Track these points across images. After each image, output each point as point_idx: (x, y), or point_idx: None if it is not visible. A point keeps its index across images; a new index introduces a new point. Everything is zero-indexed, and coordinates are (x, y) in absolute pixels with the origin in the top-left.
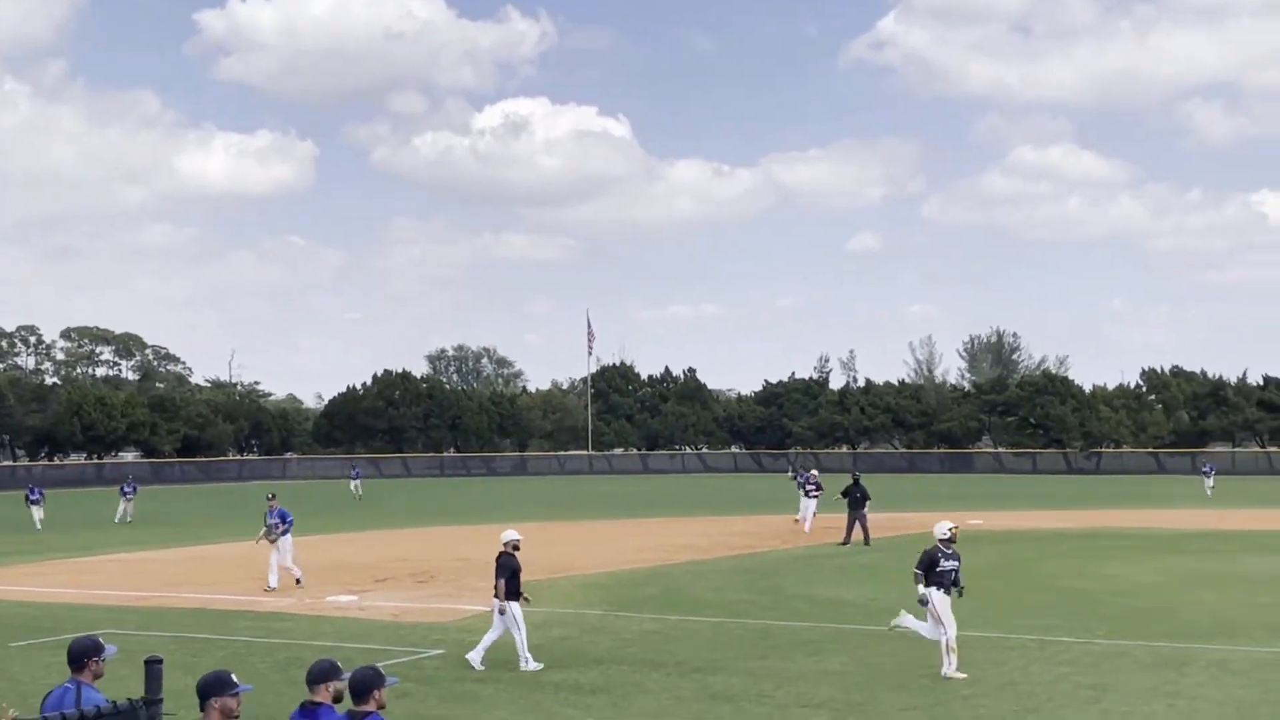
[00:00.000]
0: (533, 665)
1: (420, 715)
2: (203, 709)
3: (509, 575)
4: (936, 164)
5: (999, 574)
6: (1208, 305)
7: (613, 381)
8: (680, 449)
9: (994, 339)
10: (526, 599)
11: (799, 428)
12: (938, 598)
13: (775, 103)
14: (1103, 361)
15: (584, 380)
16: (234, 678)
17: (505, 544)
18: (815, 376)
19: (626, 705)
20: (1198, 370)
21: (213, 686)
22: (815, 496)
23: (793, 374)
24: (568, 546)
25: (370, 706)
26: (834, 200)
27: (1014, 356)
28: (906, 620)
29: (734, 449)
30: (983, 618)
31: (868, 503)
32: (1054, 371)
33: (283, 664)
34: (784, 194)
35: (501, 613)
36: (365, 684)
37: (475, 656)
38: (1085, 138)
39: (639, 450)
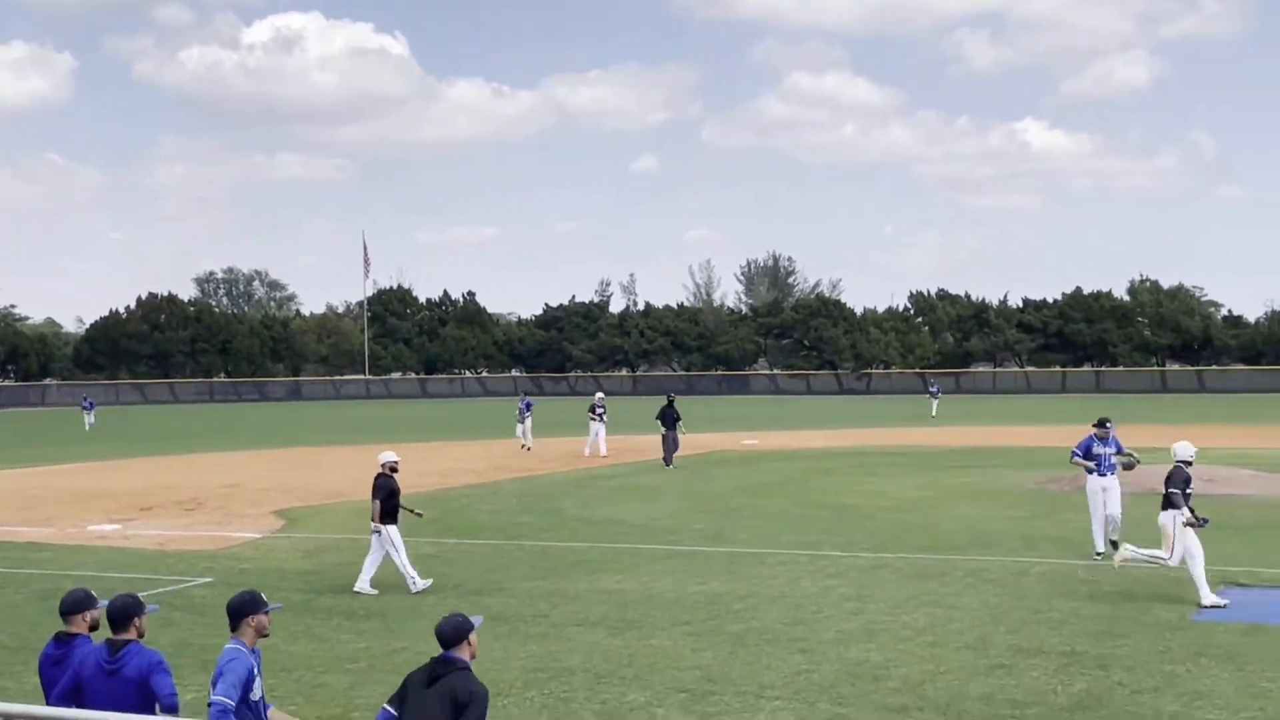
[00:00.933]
0: (420, 584)
1: (186, 643)
2: (236, 628)
3: (385, 496)
4: (715, 89)
5: (773, 492)
6: (973, 230)
7: (390, 305)
8: (460, 373)
9: (770, 263)
10: (418, 514)
11: (579, 351)
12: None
13: (557, 24)
14: (874, 285)
15: (360, 304)
16: (264, 596)
17: (382, 465)
18: (595, 300)
19: (401, 629)
20: (962, 294)
21: (247, 605)
22: (604, 420)
23: (573, 297)
24: (342, 471)
25: (130, 635)
26: (615, 123)
27: (789, 280)
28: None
29: (514, 373)
30: (757, 534)
31: (679, 424)
32: (827, 295)
33: (40, 595)
34: (565, 116)
35: (377, 533)
36: (123, 612)
37: (362, 584)
38: (859, 65)
39: (417, 375)
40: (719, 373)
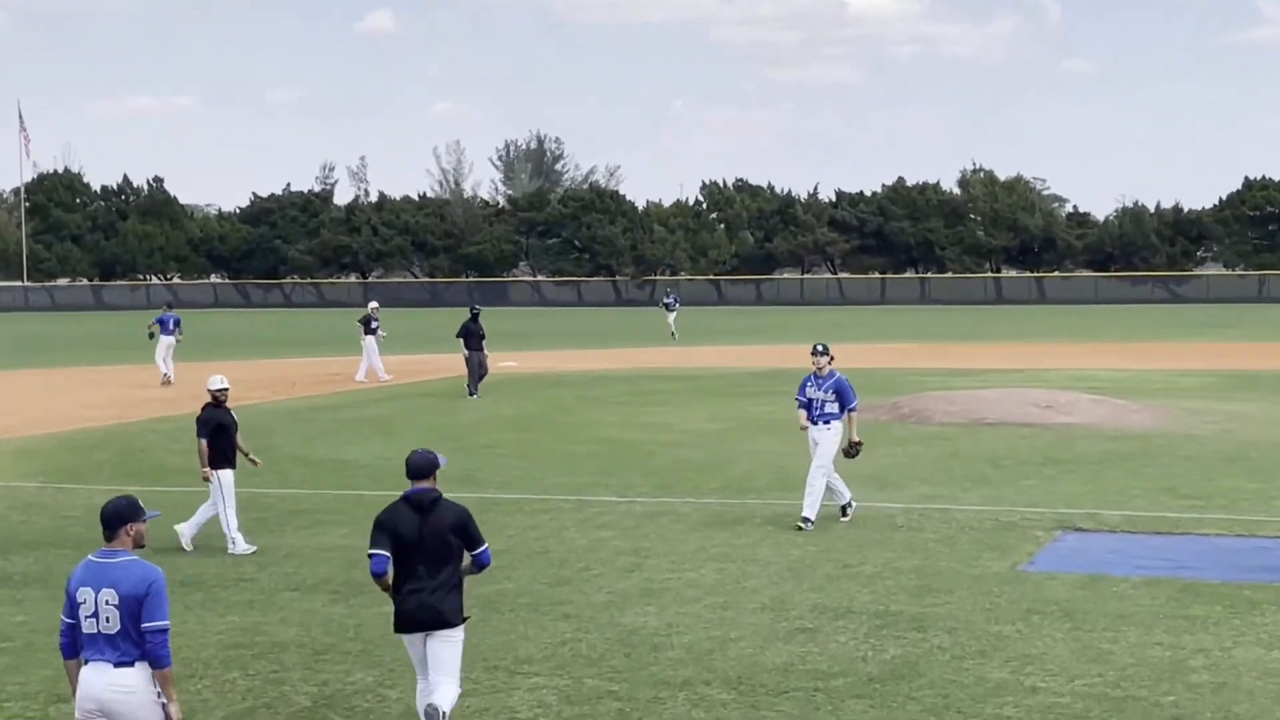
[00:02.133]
0: (243, 547)
1: None
2: (112, 536)
3: (210, 433)
4: None
5: (534, 424)
6: (778, 108)
7: (55, 194)
8: (145, 279)
9: (534, 146)
10: (254, 461)
11: (296, 252)
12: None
13: None
14: (660, 174)
15: (16, 192)
16: (141, 503)
17: (210, 392)
18: (317, 189)
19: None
20: (765, 185)
21: (124, 511)
22: (380, 336)
23: (288, 186)
24: None
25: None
26: None
27: (557, 167)
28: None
29: (214, 278)
30: (514, 477)
31: (484, 342)
32: (603, 186)
33: None
34: None
35: (206, 480)
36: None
37: (186, 532)
38: None
39: (90, 281)
40: (470, 279)
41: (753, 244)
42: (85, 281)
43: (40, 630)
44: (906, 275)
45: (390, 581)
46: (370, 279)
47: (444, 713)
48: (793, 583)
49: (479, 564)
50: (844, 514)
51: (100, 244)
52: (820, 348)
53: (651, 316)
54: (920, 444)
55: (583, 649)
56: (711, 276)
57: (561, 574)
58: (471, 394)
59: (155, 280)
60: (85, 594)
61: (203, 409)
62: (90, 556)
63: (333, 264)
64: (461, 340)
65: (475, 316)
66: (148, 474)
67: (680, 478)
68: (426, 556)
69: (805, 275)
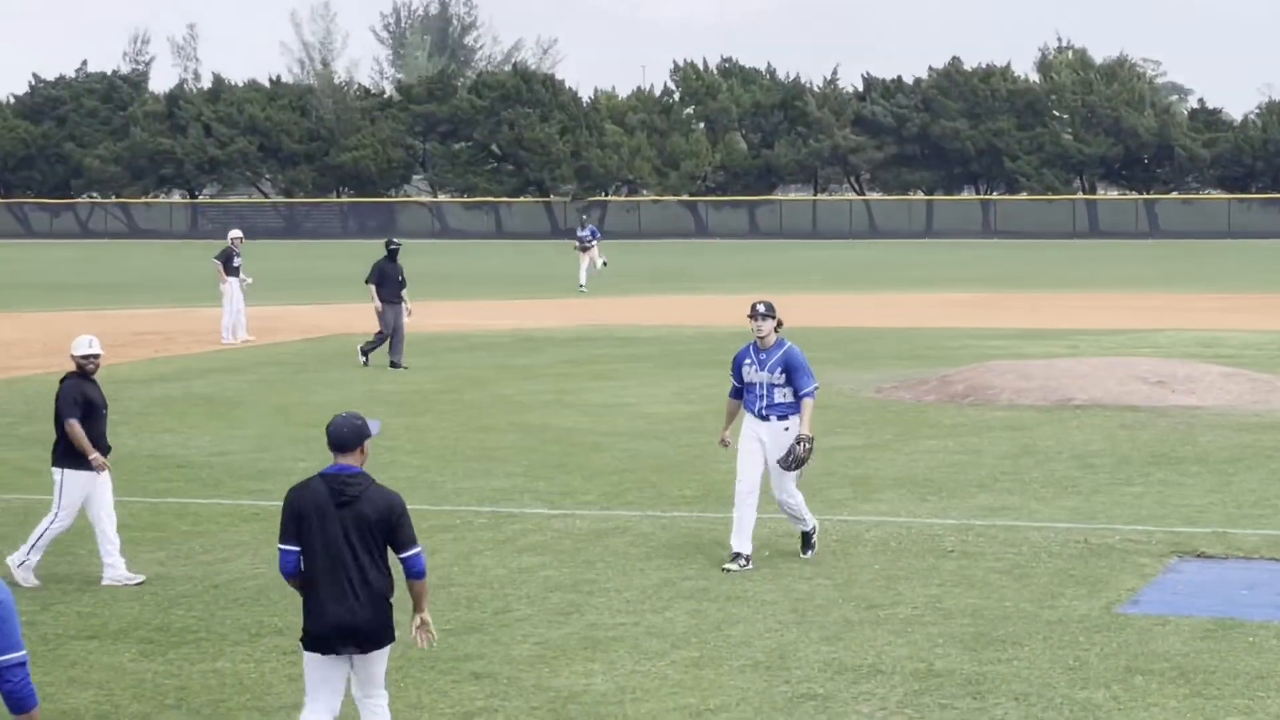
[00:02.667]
0: (124, 574)
1: None
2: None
3: (82, 413)
4: None
5: (434, 406)
6: None
7: None
8: None
9: (434, 11)
10: (102, 465)
11: (94, 160)
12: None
13: None
14: (613, 50)
15: None
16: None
17: (75, 359)
18: (125, 71)
19: None
20: (763, 67)
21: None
22: (245, 280)
23: (84, 66)
24: None
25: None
26: None
27: (467, 42)
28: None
29: None
30: (408, 479)
31: (404, 291)
32: (532, 68)
33: None
34: None
35: (102, 469)
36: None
37: (21, 563)
38: None
39: None
40: (344, 199)
41: (745, 152)
42: None
43: None
44: (962, 196)
45: (301, 584)
46: (200, 198)
47: None
48: (797, 630)
49: (410, 572)
50: (806, 547)
51: None
52: (762, 308)
53: (604, 252)
54: (980, 435)
55: None
56: (686, 197)
57: (471, 617)
58: (396, 364)
59: None
60: None
61: (64, 380)
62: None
63: (147, 177)
64: (373, 287)
65: (393, 255)
66: None
67: (638, 481)
68: (348, 555)
69: (819, 196)
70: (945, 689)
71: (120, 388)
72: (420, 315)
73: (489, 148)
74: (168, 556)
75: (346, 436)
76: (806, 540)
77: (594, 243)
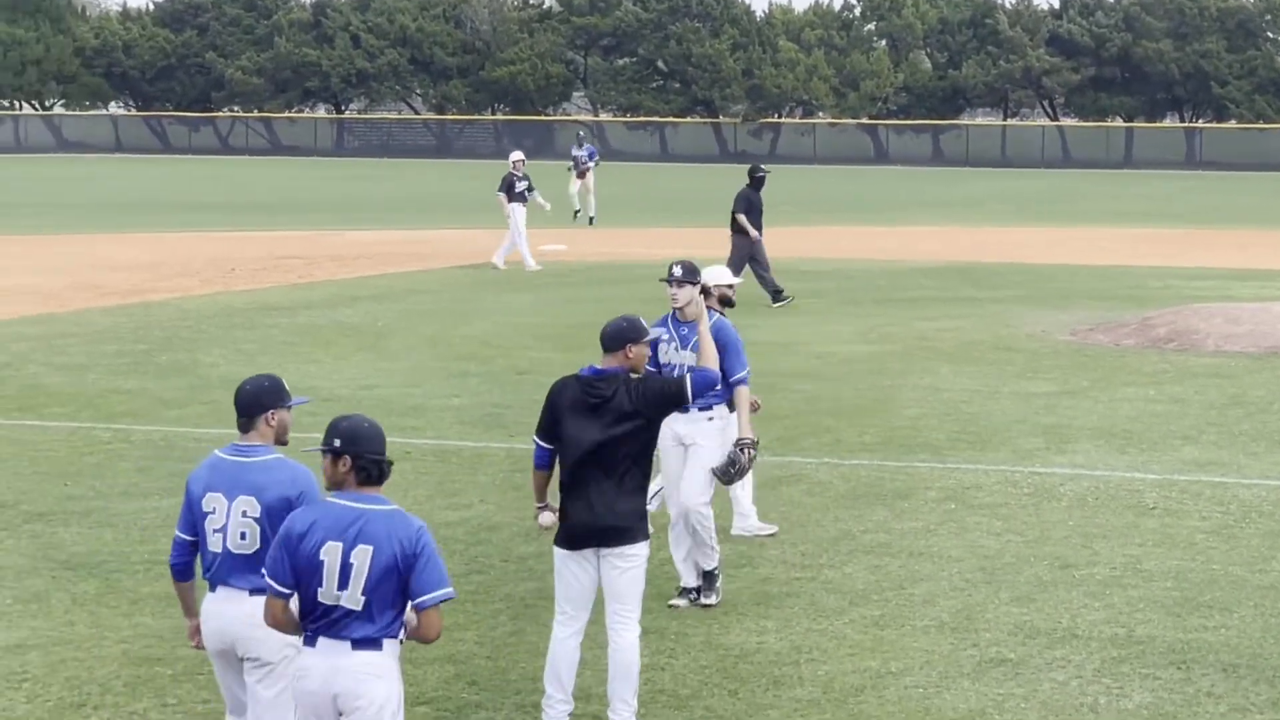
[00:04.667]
0: (755, 524)
1: None
2: (249, 426)
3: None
4: None
5: (592, 339)
6: None
7: None
8: (11, 107)
9: None
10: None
11: (236, 72)
12: None
13: None
14: None
15: None
16: (286, 385)
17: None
18: None
19: None
20: None
21: (264, 395)
22: (541, 205)
23: None
24: None
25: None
26: None
27: None
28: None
29: (113, 108)
30: None
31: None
32: None
33: None
34: None
35: None
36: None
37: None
38: None
39: None
40: (499, 117)
41: (930, 72)
42: None
43: None
44: (1165, 124)
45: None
46: (346, 113)
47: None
48: (985, 590)
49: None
50: (697, 595)
51: None
52: (679, 270)
53: (773, 178)
54: (1184, 383)
55: (666, 681)
56: (865, 121)
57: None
58: (780, 294)
59: (27, 109)
60: (214, 501)
61: None
62: (218, 452)
63: (291, 90)
64: (743, 218)
65: (758, 183)
66: (13, 399)
67: (814, 426)
68: (602, 462)
69: (1009, 121)
70: (1146, 657)
71: (262, 315)
72: (580, 243)
73: (654, 64)
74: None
75: (614, 336)
76: (709, 582)
77: (591, 165)
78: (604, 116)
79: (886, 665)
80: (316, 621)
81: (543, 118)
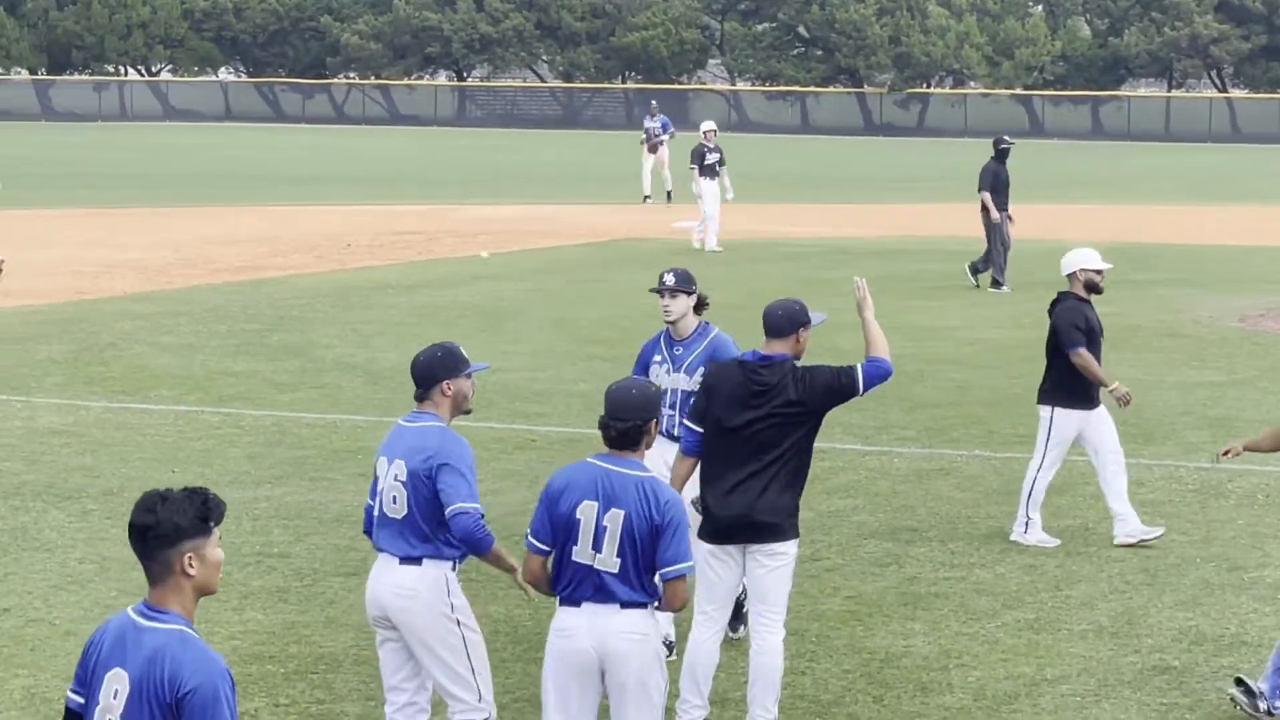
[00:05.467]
0: (1039, 536)
1: None
2: (424, 396)
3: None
4: None
5: (732, 322)
6: None
7: None
8: (115, 72)
9: None
10: (1125, 398)
11: (353, 36)
12: None
13: None
14: None
15: None
16: (464, 353)
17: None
18: None
19: None
20: None
21: (436, 364)
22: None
23: None
24: None
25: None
26: None
27: None
28: None
29: (223, 74)
30: None
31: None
32: None
33: None
34: None
35: None
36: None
37: None
38: None
39: (32, 74)
40: (630, 85)
41: (1090, 39)
42: (24, 74)
43: None
44: None
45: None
46: (468, 80)
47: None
48: (1147, 592)
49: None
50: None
51: (49, 16)
52: (671, 279)
53: (926, 151)
54: None
55: (807, 686)
56: (1020, 91)
57: None
58: (999, 284)
59: (133, 74)
60: (380, 465)
61: (1061, 301)
62: (399, 420)
63: (411, 56)
64: (988, 195)
65: (1003, 155)
66: (118, 380)
67: (965, 416)
68: (758, 452)
69: (1174, 92)
70: None
71: (379, 294)
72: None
73: (795, 30)
74: None
75: (777, 322)
76: (736, 611)
77: (665, 137)
78: (741, 85)
79: (1041, 672)
80: (575, 581)
81: (676, 86)
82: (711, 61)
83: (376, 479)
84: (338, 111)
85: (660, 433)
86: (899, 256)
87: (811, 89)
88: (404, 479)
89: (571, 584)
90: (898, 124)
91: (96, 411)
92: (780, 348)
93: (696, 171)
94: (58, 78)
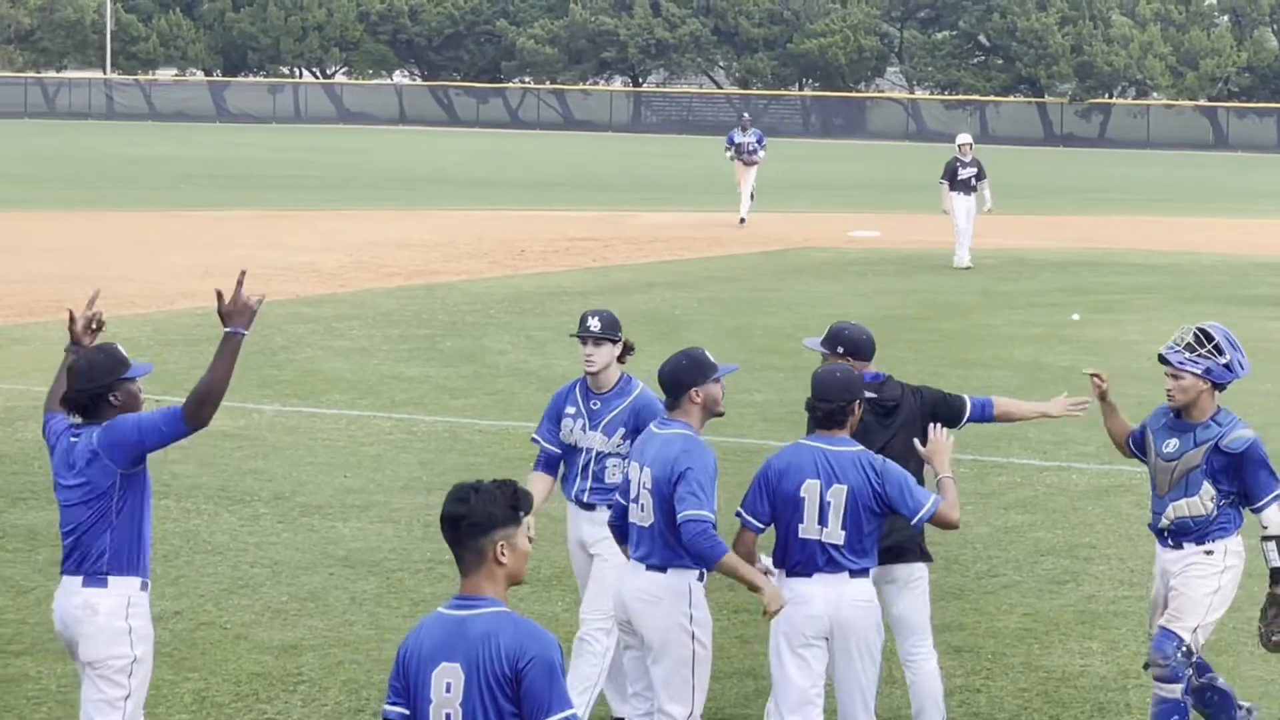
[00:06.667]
0: None
1: None
2: (675, 404)
3: None
4: None
5: (906, 331)
6: None
7: None
8: (291, 74)
9: None
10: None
11: (528, 41)
12: None
13: None
14: None
15: None
16: (710, 357)
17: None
18: None
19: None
20: None
21: (683, 372)
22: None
23: None
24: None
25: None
26: None
27: None
28: None
29: (398, 76)
30: None
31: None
32: None
33: None
34: None
35: None
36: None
37: None
38: None
39: (207, 75)
40: (807, 92)
41: (1277, 51)
42: (200, 75)
43: None
44: None
45: None
46: (644, 86)
47: None
48: None
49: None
50: None
51: (225, 17)
52: (595, 324)
53: (1105, 162)
54: None
55: (982, 704)
56: (1204, 102)
57: (951, 581)
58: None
59: (307, 76)
60: (632, 470)
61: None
62: (652, 424)
63: (586, 61)
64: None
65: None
66: (291, 384)
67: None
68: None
69: None
70: None
71: (553, 300)
72: (893, 229)
73: (975, 38)
74: None
75: (868, 342)
76: None
77: (760, 153)
78: (919, 94)
79: None
80: (806, 555)
81: (854, 94)
82: (890, 69)
83: (628, 482)
84: (512, 116)
85: (568, 498)
86: (1078, 269)
87: (991, 98)
88: (650, 486)
89: (801, 558)
90: (1079, 134)
91: (269, 415)
92: (871, 368)
93: (946, 186)
94: (233, 79)
